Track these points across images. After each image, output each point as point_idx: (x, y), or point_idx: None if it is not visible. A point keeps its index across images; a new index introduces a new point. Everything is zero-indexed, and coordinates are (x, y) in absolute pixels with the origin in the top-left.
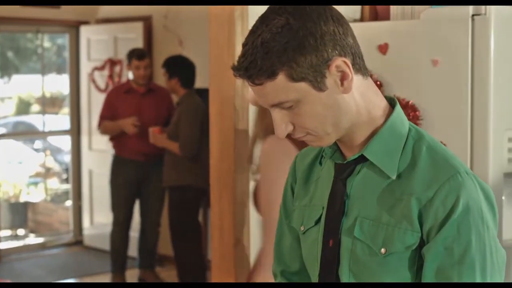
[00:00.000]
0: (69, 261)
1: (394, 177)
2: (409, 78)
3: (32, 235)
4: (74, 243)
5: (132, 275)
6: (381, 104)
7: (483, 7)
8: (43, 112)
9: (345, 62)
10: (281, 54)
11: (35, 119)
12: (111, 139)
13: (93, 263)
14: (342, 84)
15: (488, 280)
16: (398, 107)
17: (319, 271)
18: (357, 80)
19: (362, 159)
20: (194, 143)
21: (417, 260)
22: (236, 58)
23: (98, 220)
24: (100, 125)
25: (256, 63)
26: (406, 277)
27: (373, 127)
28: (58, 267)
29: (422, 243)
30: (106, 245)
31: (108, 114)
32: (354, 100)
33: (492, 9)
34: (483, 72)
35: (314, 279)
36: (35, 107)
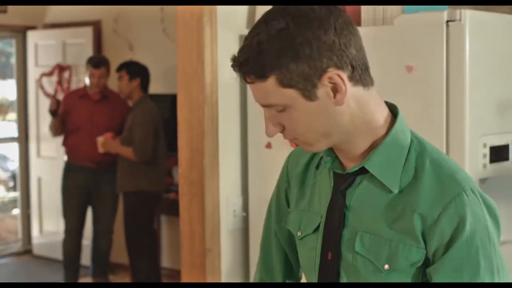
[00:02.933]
0: (18, 271)
1: (396, 191)
2: (383, 84)
3: None
4: (23, 252)
5: None
6: (383, 114)
7: (457, 12)
8: None
9: (338, 76)
10: (274, 58)
11: None
12: (64, 144)
13: (44, 272)
14: (334, 96)
15: None
16: (400, 117)
17: (317, 282)
18: (356, 92)
19: (362, 170)
20: (149, 147)
21: (421, 277)
22: (205, 64)
23: (48, 228)
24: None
25: (249, 61)
26: None
27: (374, 138)
28: (7, 277)
29: (427, 260)
30: (56, 254)
31: (61, 115)
32: (350, 111)
33: (467, 15)
34: (458, 78)
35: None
36: None
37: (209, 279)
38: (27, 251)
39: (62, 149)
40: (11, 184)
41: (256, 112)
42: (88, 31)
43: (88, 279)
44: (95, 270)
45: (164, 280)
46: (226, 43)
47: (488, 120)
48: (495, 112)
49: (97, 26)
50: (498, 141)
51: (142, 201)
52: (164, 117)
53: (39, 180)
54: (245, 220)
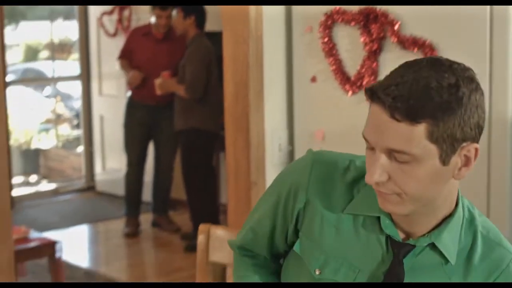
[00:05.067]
0: (81, 207)
1: (453, 262)
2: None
3: (44, 182)
4: (86, 189)
5: (146, 219)
6: (455, 191)
7: None
8: (52, 58)
9: (476, 150)
10: (436, 108)
11: (44, 66)
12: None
13: (106, 208)
14: (460, 169)
15: None
16: (459, 191)
17: None
18: None
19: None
20: (200, 85)
21: None
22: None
23: (110, 165)
24: (120, 58)
25: (409, 99)
26: None
27: (444, 214)
28: (71, 213)
29: None
30: (118, 191)
31: (126, 53)
32: (450, 187)
33: None
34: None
35: None
36: (44, 54)
37: None
38: (90, 187)
39: (123, 87)
40: (75, 122)
41: (301, 46)
42: None
43: (149, 216)
44: (155, 206)
45: (222, 217)
46: None
47: None
48: None
49: None
50: None
51: (197, 139)
52: (220, 55)
53: (101, 118)
54: (291, 154)
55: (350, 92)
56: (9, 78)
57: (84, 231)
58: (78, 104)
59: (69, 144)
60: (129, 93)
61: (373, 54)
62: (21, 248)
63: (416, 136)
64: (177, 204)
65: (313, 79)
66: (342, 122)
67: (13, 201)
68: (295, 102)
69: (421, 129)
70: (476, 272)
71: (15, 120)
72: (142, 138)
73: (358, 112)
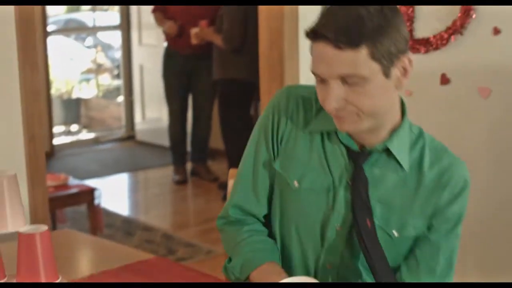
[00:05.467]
0: (121, 156)
1: (407, 169)
2: None
3: (85, 131)
4: (126, 138)
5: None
6: (398, 103)
7: None
8: (93, 9)
9: (409, 60)
10: (372, 31)
11: (85, 16)
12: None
13: (145, 158)
14: (400, 79)
15: None
16: (404, 103)
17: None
18: None
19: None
20: (237, 35)
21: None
22: None
23: (150, 115)
24: (153, 11)
25: (348, 29)
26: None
27: (392, 125)
28: (111, 162)
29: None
30: (157, 140)
31: (159, 6)
32: (394, 98)
33: None
34: None
35: (303, 234)
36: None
37: None
38: (130, 136)
39: (162, 37)
40: (115, 72)
41: None
42: None
43: (188, 164)
44: (194, 156)
45: None
46: None
47: None
48: None
49: None
50: None
51: (234, 89)
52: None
53: (141, 67)
54: None
55: None
56: (50, 28)
57: (124, 179)
58: (118, 54)
59: (109, 94)
60: (165, 44)
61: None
62: (60, 194)
63: (360, 58)
64: (215, 154)
65: None
66: None
67: (54, 149)
68: None
69: (363, 52)
70: (428, 177)
71: (57, 70)
72: (181, 88)
73: None
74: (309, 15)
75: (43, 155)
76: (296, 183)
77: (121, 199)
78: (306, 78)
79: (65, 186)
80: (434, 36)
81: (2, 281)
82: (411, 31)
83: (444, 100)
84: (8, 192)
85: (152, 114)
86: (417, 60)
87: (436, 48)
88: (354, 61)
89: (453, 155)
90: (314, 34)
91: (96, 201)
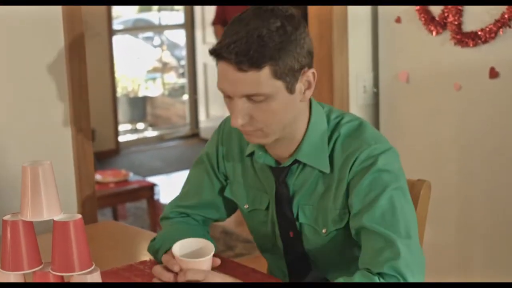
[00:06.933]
0: (185, 153)
1: (328, 171)
2: None
3: (150, 129)
4: (191, 136)
5: None
6: (307, 109)
7: None
8: (159, 9)
9: (313, 74)
10: (272, 51)
11: (152, 16)
12: (217, 33)
13: None
14: (304, 92)
15: None
16: (313, 106)
17: (283, 249)
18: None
19: (295, 161)
20: None
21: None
22: None
23: (213, 113)
24: (214, 24)
25: (249, 52)
26: (348, 248)
27: (302, 134)
28: (175, 159)
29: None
30: None
31: (220, 17)
32: (300, 108)
33: None
34: None
35: (265, 247)
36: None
37: None
38: (194, 134)
39: None
40: (180, 70)
41: None
42: None
43: None
44: None
45: None
46: None
47: None
48: None
49: None
50: None
51: None
52: None
53: (205, 66)
54: (376, 96)
55: (434, 32)
56: (116, 27)
57: None
58: (183, 52)
59: (174, 92)
60: None
61: None
62: (120, 190)
63: (263, 78)
64: None
65: (398, 20)
66: (426, 63)
67: (120, 147)
68: (380, 44)
69: (265, 72)
70: (340, 168)
71: (123, 69)
72: None
73: (442, 52)
74: (359, 7)
75: (91, 148)
76: (246, 206)
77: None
78: (356, 72)
79: (125, 182)
80: (482, 30)
81: (38, 268)
82: (459, 24)
83: (493, 94)
84: (44, 181)
85: (216, 112)
86: (465, 54)
87: (485, 42)
88: (257, 81)
89: (364, 140)
90: (217, 55)
91: (155, 197)
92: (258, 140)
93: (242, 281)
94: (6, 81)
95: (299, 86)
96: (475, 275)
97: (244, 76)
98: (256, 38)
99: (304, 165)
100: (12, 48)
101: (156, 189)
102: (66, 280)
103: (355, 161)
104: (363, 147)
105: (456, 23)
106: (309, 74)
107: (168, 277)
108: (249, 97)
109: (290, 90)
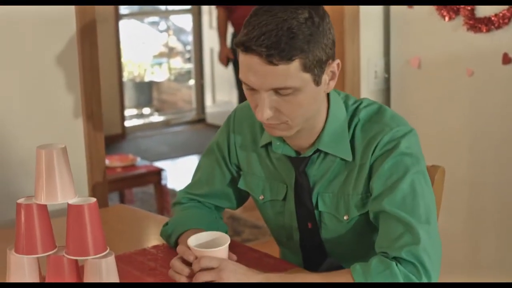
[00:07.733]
0: (191, 138)
1: (350, 159)
2: None
3: (156, 114)
4: (197, 121)
5: None
6: (325, 98)
7: None
8: None
9: (338, 65)
10: (303, 43)
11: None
12: (229, 18)
13: None
14: (328, 83)
15: None
16: (331, 94)
17: (300, 240)
18: None
19: (317, 150)
20: None
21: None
22: None
23: (220, 98)
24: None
25: (280, 44)
26: (367, 236)
27: (323, 121)
28: (181, 144)
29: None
30: None
31: (225, 8)
32: (322, 100)
33: None
34: None
35: (281, 238)
36: None
37: None
38: (200, 119)
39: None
40: (187, 55)
41: None
42: None
43: None
44: None
45: None
46: None
47: None
48: None
49: None
50: None
51: None
52: None
53: (212, 51)
54: (387, 82)
55: (447, 18)
56: (123, 12)
57: (193, 161)
58: (190, 37)
59: (181, 77)
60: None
61: None
62: (127, 175)
63: (293, 71)
64: None
65: (410, 5)
66: (438, 48)
67: (126, 132)
68: (392, 29)
69: (295, 64)
70: (362, 153)
71: (129, 53)
72: None
73: (455, 38)
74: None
75: (102, 133)
76: (261, 197)
77: (189, 180)
78: (368, 57)
79: (133, 166)
80: (496, 15)
81: (52, 252)
82: (472, 9)
83: (506, 80)
84: (58, 164)
85: (222, 97)
86: (478, 40)
87: (498, 27)
88: (286, 74)
89: (386, 123)
90: (245, 48)
91: (162, 182)
92: (281, 133)
93: (255, 269)
94: (18, 67)
95: (325, 77)
96: (484, 262)
97: (274, 69)
98: (286, 30)
99: (326, 154)
100: (24, 36)
101: (163, 174)
102: (80, 264)
103: (377, 144)
104: (385, 130)
105: (469, 8)
106: (334, 65)
107: (186, 272)
108: (276, 90)
109: (317, 82)
